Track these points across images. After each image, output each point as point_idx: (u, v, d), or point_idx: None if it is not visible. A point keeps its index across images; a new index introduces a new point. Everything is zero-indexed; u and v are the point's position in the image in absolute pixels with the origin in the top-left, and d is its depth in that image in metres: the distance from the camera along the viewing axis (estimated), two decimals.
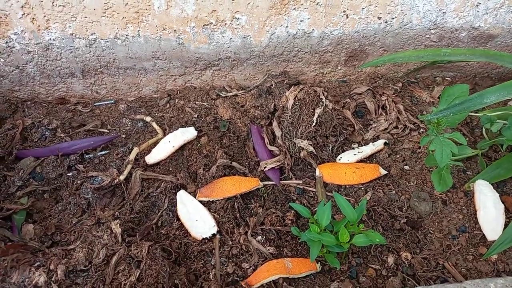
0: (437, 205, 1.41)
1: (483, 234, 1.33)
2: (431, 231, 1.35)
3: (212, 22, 1.59)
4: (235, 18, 1.59)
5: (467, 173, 1.52)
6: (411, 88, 1.84)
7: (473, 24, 1.73)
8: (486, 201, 1.36)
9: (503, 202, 1.37)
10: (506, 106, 1.75)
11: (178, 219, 1.37)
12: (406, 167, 1.54)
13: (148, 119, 1.68)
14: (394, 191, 1.46)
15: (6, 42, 1.55)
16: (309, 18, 1.63)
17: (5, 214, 1.33)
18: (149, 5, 1.52)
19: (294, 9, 1.59)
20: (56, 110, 1.72)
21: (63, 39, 1.57)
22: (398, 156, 1.58)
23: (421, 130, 1.64)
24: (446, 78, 1.94)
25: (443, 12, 1.68)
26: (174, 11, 1.54)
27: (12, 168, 1.49)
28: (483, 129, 1.58)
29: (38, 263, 1.17)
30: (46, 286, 1.11)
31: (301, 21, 1.64)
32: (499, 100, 1.20)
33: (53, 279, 1.13)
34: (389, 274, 1.24)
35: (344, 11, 1.63)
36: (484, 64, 1.91)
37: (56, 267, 1.15)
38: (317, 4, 1.59)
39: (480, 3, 1.66)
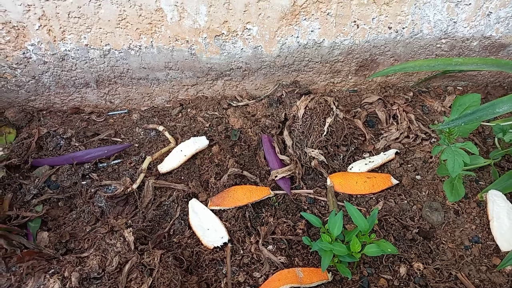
0: (449, 215, 1.40)
1: (497, 245, 1.31)
2: (444, 242, 1.34)
3: (223, 33, 1.62)
4: (247, 28, 1.61)
5: (480, 183, 1.51)
6: (422, 98, 1.84)
7: (484, 34, 1.73)
8: (500, 211, 1.35)
9: None
10: None
11: (190, 228, 1.38)
12: (418, 177, 1.53)
13: (160, 128, 1.70)
14: (405, 201, 1.45)
15: (23, 53, 1.59)
16: (319, 28, 1.64)
17: (21, 222, 1.35)
18: (162, 17, 1.54)
19: (305, 19, 1.61)
20: (71, 119, 1.75)
21: (78, 50, 1.60)
22: (409, 165, 1.58)
23: (433, 139, 1.64)
24: (458, 88, 1.93)
25: (454, 22, 1.68)
26: (187, 22, 1.57)
27: (28, 176, 1.51)
28: (496, 139, 1.57)
29: (53, 270, 1.19)
30: None
31: (311, 31, 1.65)
32: (511, 110, 1.19)
33: (67, 286, 1.15)
34: (401, 284, 1.23)
35: (355, 21, 1.64)
36: (496, 73, 1.90)
37: (70, 274, 1.17)
38: (327, 14, 1.60)
39: (491, 13, 1.66)
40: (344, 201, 1.31)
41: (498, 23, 1.70)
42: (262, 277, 1.24)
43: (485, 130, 1.69)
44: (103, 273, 1.20)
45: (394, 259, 1.29)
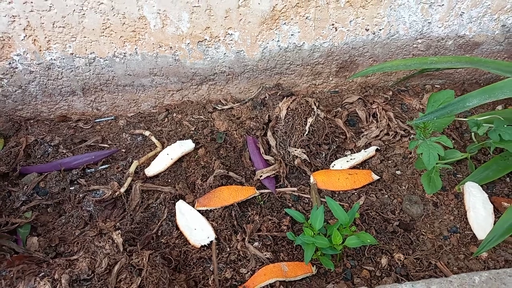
0: (428, 207, 1.45)
1: (474, 234, 1.36)
2: (423, 233, 1.39)
3: (206, 39, 1.66)
4: (228, 34, 1.66)
5: (458, 176, 1.56)
6: (401, 96, 1.90)
7: (458, 33, 1.80)
8: (476, 202, 1.41)
9: (492, 203, 1.42)
10: (494, 111, 1.80)
11: (178, 228, 1.41)
12: (398, 172, 1.58)
13: (147, 133, 1.73)
14: (386, 195, 1.50)
15: (9, 63, 1.61)
16: (299, 32, 1.69)
17: (10, 228, 1.37)
18: (146, 24, 1.58)
19: (285, 23, 1.66)
20: (58, 127, 1.78)
21: (63, 58, 1.63)
22: (389, 161, 1.63)
23: (412, 136, 1.69)
24: (436, 86, 1.99)
25: (429, 22, 1.74)
26: (170, 29, 1.61)
27: (17, 184, 1.54)
28: (472, 134, 1.63)
29: (43, 273, 1.21)
30: None
31: (291, 35, 1.70)
32: (481, 103, 1.25)
33: None
34: (383, 275, 1.27)
35: (333, 24, 1.70)
36: (472, 71, 1.97)
37: (60, 277, 1.19)
38: (306, 18, 1.65)
39: (463, 13, 1.73)
40: (325, 196, 1.35)
41: (471, 22, 1.77)
42: (249, 273, 1.28)
43: (462, 125, 1.75)
44: (92, 274, 1.22)
45: (376, 251, 1.33)
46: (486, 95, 1.25)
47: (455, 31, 1.79)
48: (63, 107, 1.81)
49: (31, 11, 1.48)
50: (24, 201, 1.48)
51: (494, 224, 1.36)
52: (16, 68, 1.63)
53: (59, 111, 1.82)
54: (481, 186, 1.47)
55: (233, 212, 1.44)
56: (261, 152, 1.63)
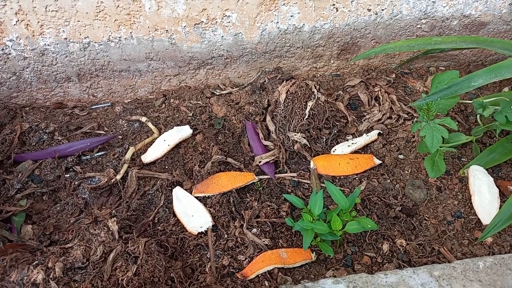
0: (432, 192, 1.41)
1: (478, 219, 1.33)
2: (426, 218, 1.35)
3: (203, 21, 1.61)
4: (226, 16, 1.61)
5: (462, 159, 1.52)
6: (405, 79, 1.84)
7: (464, 12, 1.74)
8: (481, 186, 1.36)
9: (497, 187, 1.37)
10: (501, 92, 1.75)
11: (175, 215, 1.38)
12: (401, 156, 1.54)
13: (143, 119, 1.70)
14: (388, 180, 1.46)
15: (2, 49, 1.58)
16: (299, 13, 1.64)
17: (5, 216, 1.35)
18: (140, 7, 1.54)
19: (284, 4, 1.61)
20: (54, 114, 1.74)
21: (57, 44, 1.60)
22: (392, 145, 1.58)
23: (415, 119, 1.65)
24: (440, 68, 1.94)
25: (433, 1, 1.68)
26: (165, 12, 1.57)
27: (11, 171, 1.51)
28: (478, 116, 1.58)
29: (37, 261, 1.19)
30: (44, 284, 1.13)
31: (291, 16, 1.65)
32: (486, 83, 1.21)
33: (51, 276, 1.15)
34: (384, 261, 1.24)
35: (334, 4, 1.64)
36: (478, 52, 1.91)
37: (54, 265, 1.17)
38: None
39: None
40: (325, 181, 1.31)
41: (477, 1, 1.71)
42: (247, 260, 1.25)
43: (467, 108, 1.70)
44: (87, 262, 1.20)
45: (377, 237, 1.30)
46: (492, 74, 1.20)
47: (460, 10, 1.73)
48: (58, 93, 1.77)
49: None
50: (19, 189, 1.45)
51: (499, 208, 1.32)
52: (10, 54, 1.60)
53: (55, 98, 1.79)
54: (487, 169, 1.42)
55: (231, 198, 1.41)
56: (260, 138, 1.60)
